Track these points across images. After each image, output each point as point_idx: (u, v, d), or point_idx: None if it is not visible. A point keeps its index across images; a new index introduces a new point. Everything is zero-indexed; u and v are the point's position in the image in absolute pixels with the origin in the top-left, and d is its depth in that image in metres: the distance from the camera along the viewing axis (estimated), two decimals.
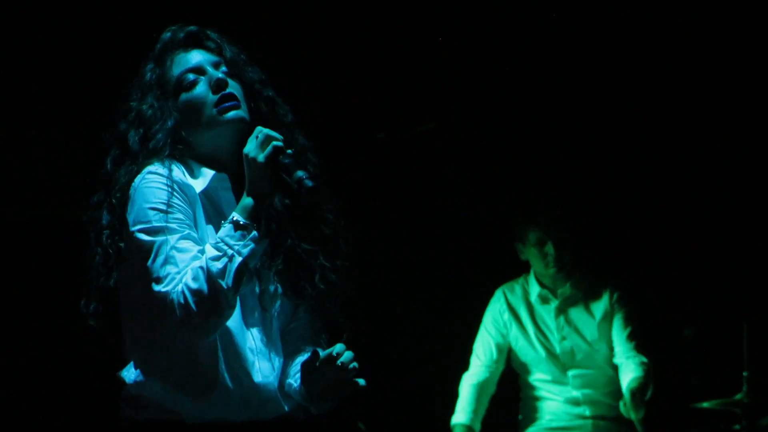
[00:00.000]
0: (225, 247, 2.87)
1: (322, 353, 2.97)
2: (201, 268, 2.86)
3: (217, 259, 2.86)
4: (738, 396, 5.15)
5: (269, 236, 3.03)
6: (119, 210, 3.01)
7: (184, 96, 3.11)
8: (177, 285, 2.87)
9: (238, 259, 2.87)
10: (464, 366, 5.55)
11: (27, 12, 5.41)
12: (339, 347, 2.98)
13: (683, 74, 5.99)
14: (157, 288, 2.90)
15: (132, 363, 3.04)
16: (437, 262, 6.39)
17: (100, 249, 3.05)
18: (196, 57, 3.14)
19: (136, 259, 2.95)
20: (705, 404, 5.18)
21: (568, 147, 6.32)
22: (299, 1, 5.57)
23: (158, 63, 3.16)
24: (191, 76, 3.11)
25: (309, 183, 2.86)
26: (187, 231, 2.96)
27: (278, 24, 5.50)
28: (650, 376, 5.20)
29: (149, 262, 2.92)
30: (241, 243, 2.88)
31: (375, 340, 5.78)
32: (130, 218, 2.98)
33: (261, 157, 2.90)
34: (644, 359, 5.25)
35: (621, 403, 5.17)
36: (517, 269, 5.62)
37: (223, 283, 2.85)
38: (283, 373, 3.14)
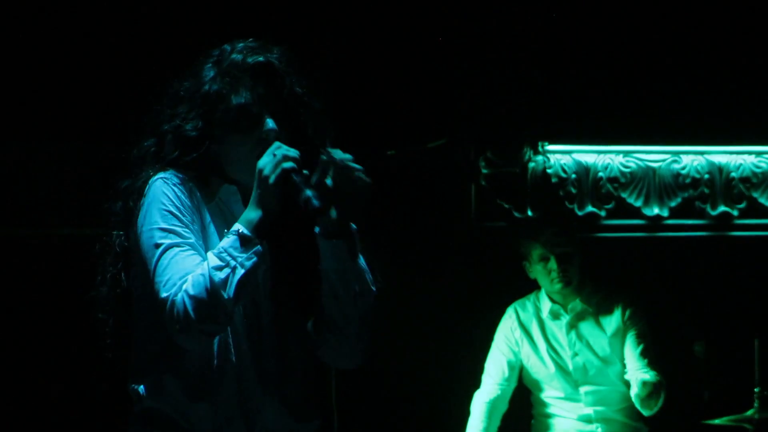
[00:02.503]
0: (228, 258, 2.87)
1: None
2: (202, 275, 2.86)
3: (219, 269, 2.85)
4: (749, 412, 5.14)
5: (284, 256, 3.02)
6: (131, 213, 3.03)
7: (235, 136, 3.05)
8: (178, 291, 2.87)
9: (241, 271, 2.86)
10: (476, 384, 5.55)
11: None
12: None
13: None
14: (159, 292, 2.91)
15: (145, 375, 3.02)
16: (448, 280, 6.38)
17: (109, 252, 3.08)
18: (259, 94, 3.07)
19: (143, 261, 2.96)
20: (716, 421, 5.17)
21: None
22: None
23: (217, 79, 3.09)
24: (247, 120, 3.06)
25: (316, 203, 2.85)
26: (192, 239, 2.96)
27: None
28: (661, 388, 5.19)
29: (152, 265, 2.93)
30: (245, 255, 2.87)
31: (386, 360, 5.79)
32: (140, 220, 2.99)
33: (272, 178, 2.89)
34: (656, 375, 5.26)
35: (634, 396, 5.18)
36: (530, 286, 5.63)
37: (225, 294, 2.84)
38: None
